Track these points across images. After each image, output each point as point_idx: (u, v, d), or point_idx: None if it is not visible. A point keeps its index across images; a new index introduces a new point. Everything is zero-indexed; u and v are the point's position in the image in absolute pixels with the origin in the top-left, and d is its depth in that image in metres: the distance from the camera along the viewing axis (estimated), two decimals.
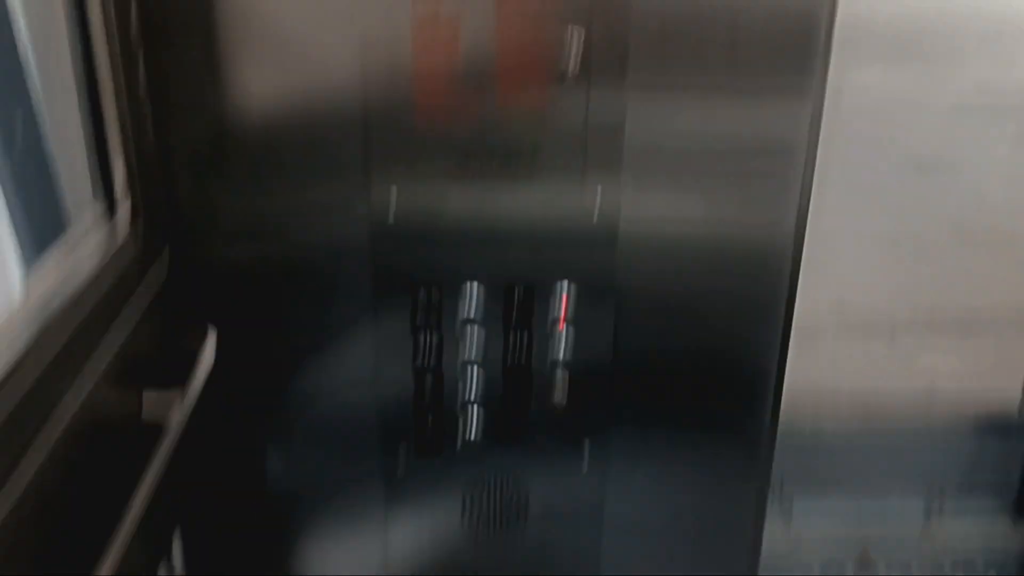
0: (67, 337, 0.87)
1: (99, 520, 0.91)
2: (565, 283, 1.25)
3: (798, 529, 2.00)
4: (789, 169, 1.21)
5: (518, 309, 1.26)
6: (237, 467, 1.34)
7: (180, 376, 1.15)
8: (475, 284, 1.25)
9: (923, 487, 2.02)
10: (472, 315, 1.26)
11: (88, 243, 1.00)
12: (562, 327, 1.28)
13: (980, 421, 1.98)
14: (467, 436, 1.33)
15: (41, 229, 1.11)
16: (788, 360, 1.35)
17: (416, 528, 1.40)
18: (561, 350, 1.28)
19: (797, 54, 1.16)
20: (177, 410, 0.98)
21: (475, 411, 1.32)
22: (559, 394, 1.31)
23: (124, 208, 1.08)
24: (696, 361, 1.32)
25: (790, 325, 1.31)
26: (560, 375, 1.30)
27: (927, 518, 2.05)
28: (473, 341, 1.27)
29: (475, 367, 1.29)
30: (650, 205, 1.22)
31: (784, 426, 1.40)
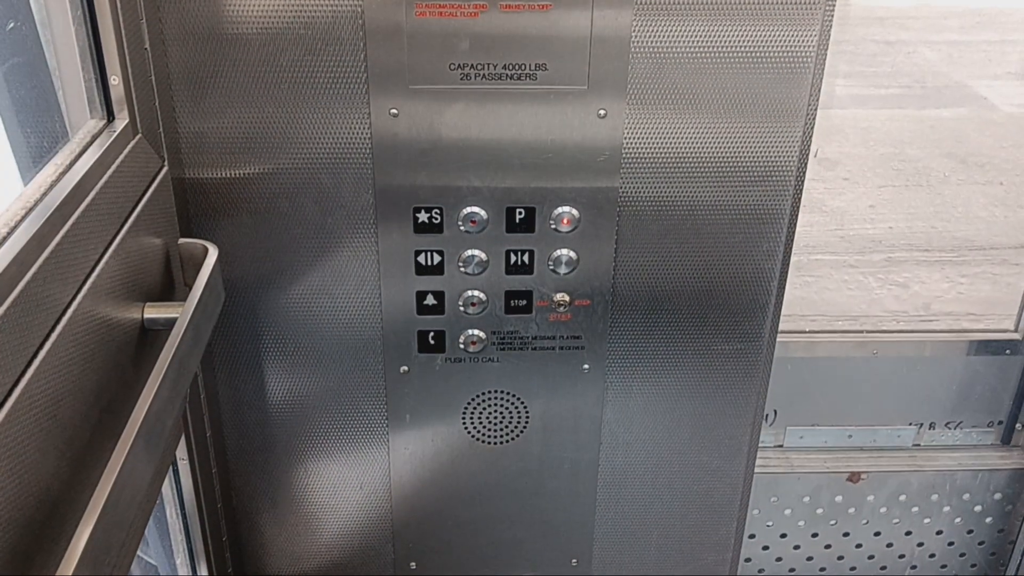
0: (68, 251, 0.87)
1: (105, 429, 0.93)
2: (566, 202, 1.25)
3: (789, 454, 2.04)
4: (794, 92, 1.20)
5: (520, 225, 1.26)
6: (240, 382, 1.36)
7: (182, 292, 1.16)
8: (476, 202, 1.25)
9: (914, 413, 2.05)
10: (473, 232, 1.26)
11: (86, 160, 1.00)
12: (562, 247, 1.28)
13: (972, 349, 2.00)
14: (467, 351, 1.34)
15: (39, 145, 1.10)
16: (786, 287, 1.36)
17: (418, 442, 1.42)
18: (562, 267, 1.29)
19: None
20: (179, 325, 0.99)
21: (475, 327, 1.33)
22: (559, 311, 1.32)
23: (122, 125, 1.07)
24: (696, 287, 1.32)
25: (789, 253, 1.32)
26: (560, 295, 1.31)
27: (917, 443, 2.08)
28: (474, 259, 1.28)
29: (476, 285, 1.30)
30: (654, 125, 1.21)
31: (779, 353, 1.42)
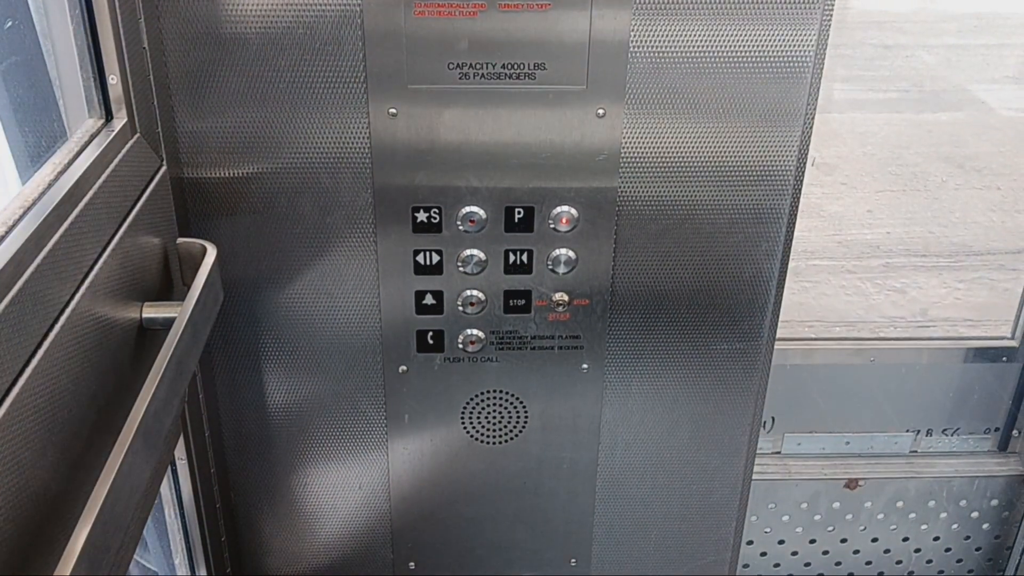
0: (66, 250, 0.87)
1: (103, 429, 0.93)
2: (565, 202, 1.25)
3: (787, 460, 2.05)
4: (793, 94, 1.20)
5: (519, 225, 1.26)
6: (239, 382, 1.36)
7: (180, 292, 1.16)
8: (475, 201, 1.24)
9: (911, 419, 2.06)
10: (472, 232, 1.26)
11: (84, 159, 1.00)
12: (561, 247, 1.28)
13: (969, 355, 2.00)
14: (466, 350, 1.34)
15: (37, 144, 1.10)
16: (784, 292, 1.36)
17: (417, 441, 1.42)
18: (561, 267, 1.29)
19: None
20: (177, 324, 0.99)
21: (474, 326, 1.33)
22: (557, 311, 1.32)
23: (120, 124, 1.07)
24: (695, 286, 1.32)
25: (788, 253, 1.32)
26: (559, 295, 1.31)
27: (914, 450, 2.09)
28: (473, 258, 1.27)
29: (474, 284, 1.30)
30: (652, 125, 1.21)
31: (777, 360, 1.42)
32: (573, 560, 1.54)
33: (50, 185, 0.92)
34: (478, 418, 1.41)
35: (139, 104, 1.09)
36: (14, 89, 1.09)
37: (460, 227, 1.26)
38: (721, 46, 1.17)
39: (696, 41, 1.16)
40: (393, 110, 1.18)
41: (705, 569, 1.57)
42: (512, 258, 1.28)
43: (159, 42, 1.12)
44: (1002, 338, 2.02)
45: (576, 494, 1.48)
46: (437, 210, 1.25)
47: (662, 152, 1.23)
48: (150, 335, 1.06)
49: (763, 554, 2.10)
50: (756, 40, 1.17)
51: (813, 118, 1.22)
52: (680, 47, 1.16)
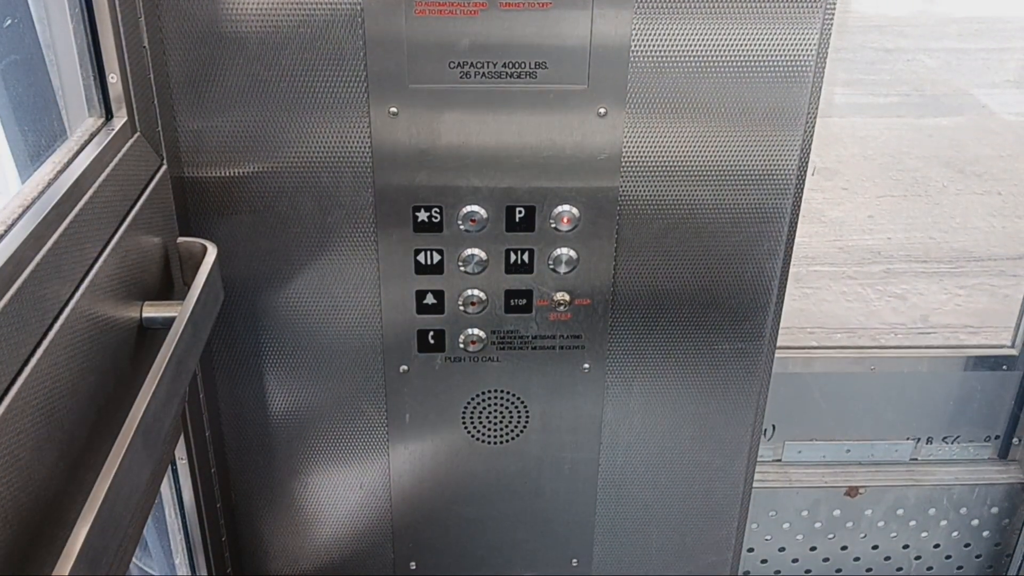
0: (65, 250, 0.87)
1: (103, 428, 0.92)
2: (566, 201, 1.25)
3: (787, 468, 2.05)
4: (794, 97, 1.20)
5: (520, 224, 1.26)
6: (239, 382, 1.36)
7: (180, 291, 1.16)
8: (476, 201, 1.24)
9: (911, 427, 2.06)
10: (473, 232, 1.26)
11: (84, 158, 1.00)
12: (562, 246, 1.28)
13: (969, 364, 2.01)
14: (467, 350, 1.34)
15: (37, 143, 1.10)
16: (785, 298, 1.36)
17: (418, 441, 1.42)
18: (562, 266, 1.28)
19: None
20: (177, 324, 0.98)
21: (475, 326, 1.33)
22: (559, 310, 1.32)
23: (120, 123, 1.06)
24: (697, 286, 1.32)
25: (791, 252, 1.32)
26: (560, 294, 1.31)
27: (914, 458, 2.09)
28: (474, 258, 1.27)
29: (475, 284, 1.29)
30: (653, 124, 1.21)
31: (777, 368, 1.42)
32: (574, 560, 1.54)
33: (50, 184, 0.92)
34: (479, 418, 1.40)
35: (139, 103, 1.09)
36: (14, 88, 1.09)
37: (461, 227, 1.25)
38: (723, 47, 1.16)
39: (698, 42, 1.16)
40: (394, 109, 1.18)
41: (706, 570, 1.57)
42: (513, 258, 1.28)
43: (159, 41, 1.12)
44: (1002, 346, 2.03)
45: (577, 494, 1.47)
46: (438, 209, 1.24)
47: (663, 152, 1.23)
48: (150, 335, 1.06)
49: (764, 561, 2.10)
50: (757, 42, 1.16)
51: (815, 121, 1.22)
52: (681, 48, 1.16)
